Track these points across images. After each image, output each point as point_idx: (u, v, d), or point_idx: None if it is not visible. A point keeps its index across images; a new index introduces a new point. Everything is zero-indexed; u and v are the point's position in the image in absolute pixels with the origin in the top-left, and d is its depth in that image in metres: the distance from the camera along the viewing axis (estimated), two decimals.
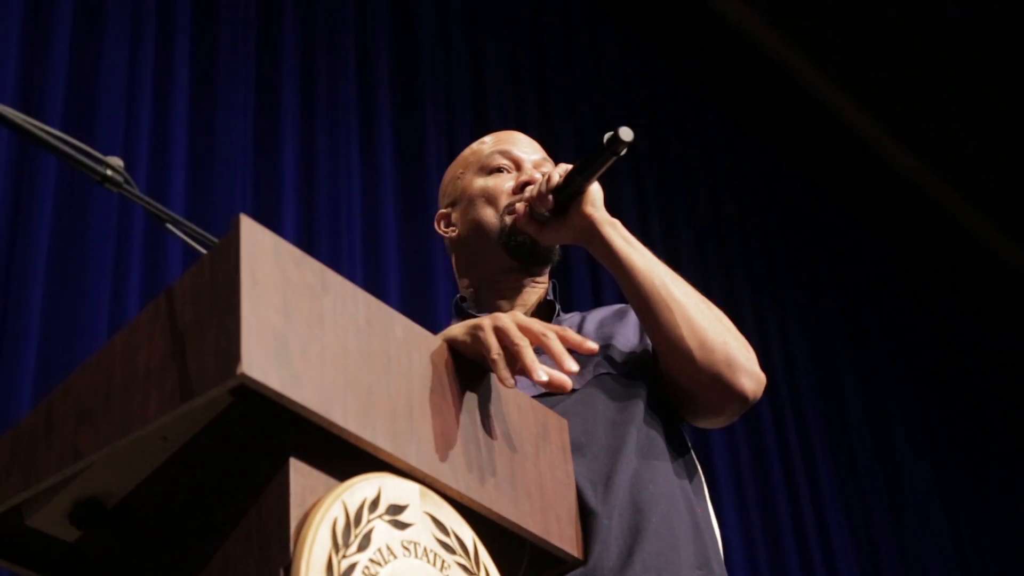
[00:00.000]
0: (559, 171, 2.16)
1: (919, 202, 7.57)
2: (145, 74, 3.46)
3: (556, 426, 1.81)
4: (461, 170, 2.39)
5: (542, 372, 1.62)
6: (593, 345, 1.74)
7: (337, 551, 1.37)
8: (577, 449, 1.90)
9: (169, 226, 1.64)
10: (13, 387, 2.89)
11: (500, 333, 1.66)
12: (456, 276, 2.39)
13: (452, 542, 1.53)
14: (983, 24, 6.75)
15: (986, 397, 7.34)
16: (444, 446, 1.58)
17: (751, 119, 6.46)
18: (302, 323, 1.43)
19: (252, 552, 1.40)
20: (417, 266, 3.94)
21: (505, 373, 1.62)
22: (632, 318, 2.23)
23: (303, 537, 1.35)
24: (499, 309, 2.22)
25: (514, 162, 2.33)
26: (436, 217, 2.41)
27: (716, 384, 2.06)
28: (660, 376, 2.14)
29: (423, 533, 1.49)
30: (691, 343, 2.05)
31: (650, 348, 2.18)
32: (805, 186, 6.70)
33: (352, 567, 1.38)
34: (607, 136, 2.00)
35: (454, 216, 2.36)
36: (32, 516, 1.52)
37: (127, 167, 1.59)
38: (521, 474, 1.69)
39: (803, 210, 6.57)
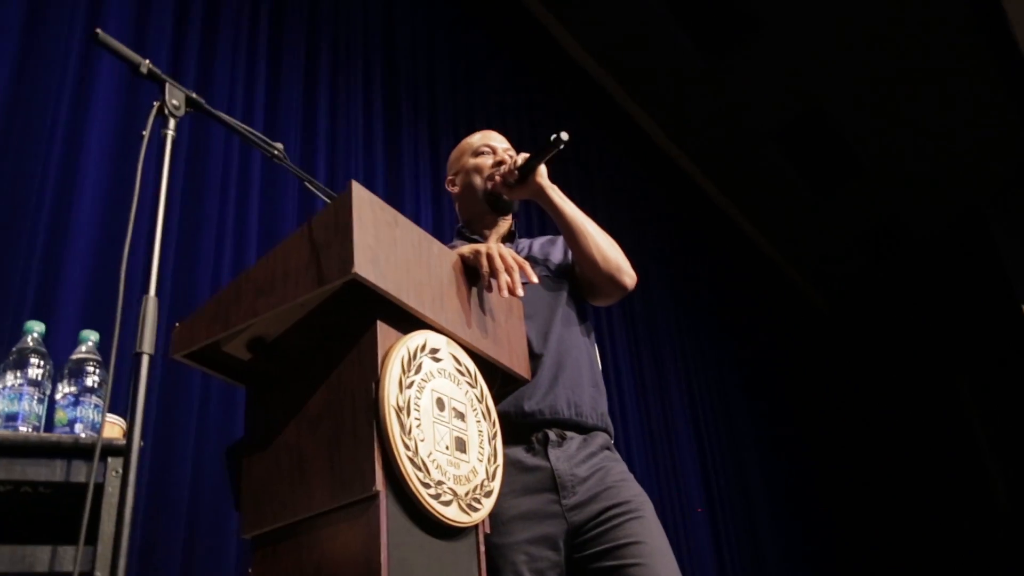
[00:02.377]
0: (521, 157, 2.24)
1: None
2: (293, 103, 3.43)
3: (516, 305, 1.92)
4: (460, 154, 2.42)
5: (505, 291, 1.76)
6: (535, 278, 1.87)
7: (404, 373, 1.51)
8: (528, 317, 2.03)
9: (307, 184, 1.69)
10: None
11: (489, 258, 1.79)
12: (458, 214, 2.44)
13: (463, 369, 1.66)
14: None
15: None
16: (459, 315, 1.70)
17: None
18: (385, 244, 1.53)
19: (355, 371, 1.50)
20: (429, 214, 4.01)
21: (487, 283, 1.79)
22: (560, 244, 2.34)
23: (385, 364, 1.48)
24: (483, 235, 2.33)
25: (492, 149, 2.37)
26: (446, 180, 2.44)
27: (611, 280, 2.19)
28: (576, 277, 2.27)
29: (448, 365, 1.62)
30: (597, 257, 2.18)
31: (569, 261, 2.30)
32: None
33: (412, 383, 1.52)
34: (552, 136, 2.08)
35: (456, 180, 2.40)
36: (226, 346, 1.61)
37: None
38: (499, 331, 1.81)
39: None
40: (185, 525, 2.55)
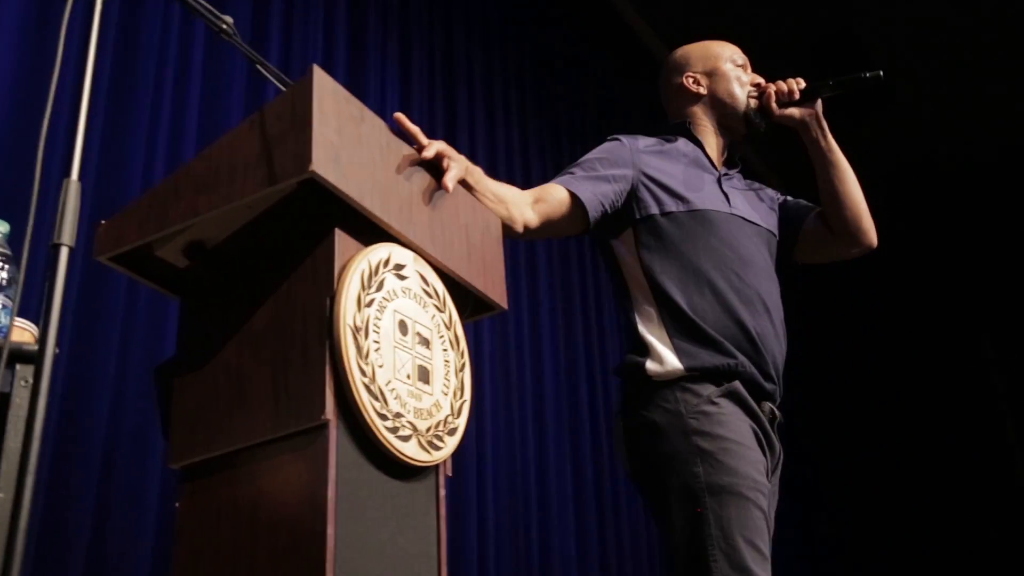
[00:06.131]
0: (798, 81, 2.36)
1: None
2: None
3: (494, 223, 1.92)
4: (712, 55, 2.49)
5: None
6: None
7: (364, 290, 1.51)
8: (751, 263, 2.24)
9: (259, 67, 1.67)
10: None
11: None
12: (675, 111, 2.50)
13: (431, 290, 1.67)
14: None
15: None
16: (429, 229, 1.69)
17: None
18: (349, 141, 1.53)
19: (308, 285, 1.50)
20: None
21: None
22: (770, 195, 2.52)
23: (343, 279, 1.48)
24: (706, 143, 2.43)
25: (749, 65, 2.50)
26: (685, 75, 2.48)
27: (865, 234, 2.40)
28: (823, 228, 2.44)
29: (414, 283, 1.63)
30: (862, 209, 2.39)
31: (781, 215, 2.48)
32: None
33: (372, 300, 1.52)
34: (870, 73, 2.23)
35: (703, 81, 2.47)
36: (159, 250, 1.60)
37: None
38: (474, 250, 1.81)
39: None
40: (102, 451, 2.55)
